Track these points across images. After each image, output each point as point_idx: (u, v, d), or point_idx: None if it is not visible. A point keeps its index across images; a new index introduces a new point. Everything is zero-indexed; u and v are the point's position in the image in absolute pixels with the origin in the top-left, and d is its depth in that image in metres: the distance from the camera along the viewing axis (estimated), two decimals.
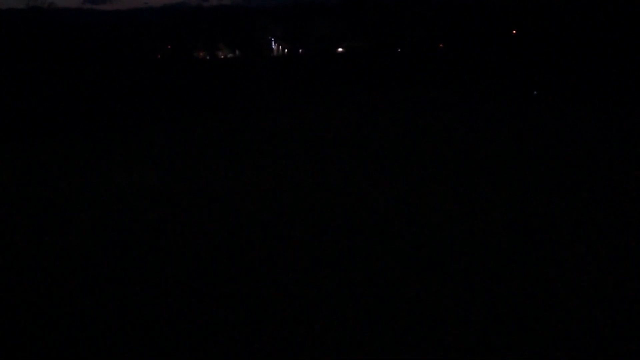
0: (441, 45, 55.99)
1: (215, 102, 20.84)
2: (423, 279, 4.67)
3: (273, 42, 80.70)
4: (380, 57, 46.61)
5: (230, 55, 78.60)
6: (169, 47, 77.61)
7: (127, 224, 6.27)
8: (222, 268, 4.97)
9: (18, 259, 5.31)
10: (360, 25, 65.58)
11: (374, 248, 5.39)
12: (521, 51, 35.74)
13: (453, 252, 5.26)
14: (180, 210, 6.79)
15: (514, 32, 43.98)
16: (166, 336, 3.83)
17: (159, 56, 72.39)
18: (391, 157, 9.82)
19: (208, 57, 76.29)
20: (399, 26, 59.72)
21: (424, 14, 59.77)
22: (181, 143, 11.66)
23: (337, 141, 11.46)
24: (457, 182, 7.93)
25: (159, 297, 4.41)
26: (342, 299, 4.32)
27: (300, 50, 69.89)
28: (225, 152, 10.58)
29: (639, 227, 5.91)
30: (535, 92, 20.98)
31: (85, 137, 12.82)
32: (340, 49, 68.28)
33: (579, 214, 6.38)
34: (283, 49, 77.27)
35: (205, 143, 11.63)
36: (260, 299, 4.34)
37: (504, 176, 8.28)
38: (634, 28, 32.34)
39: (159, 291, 4.52)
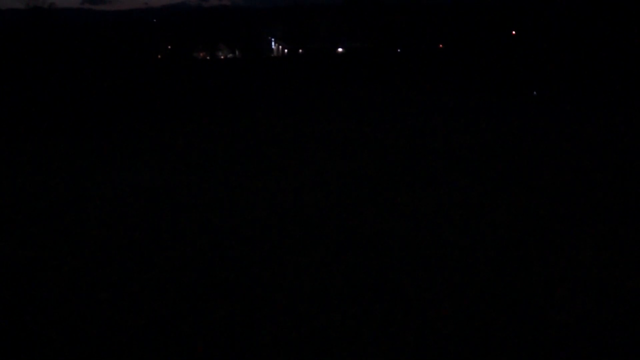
0: (441, 45, 55.98)
1: (216, 102, 20.84)
2: (423, 279, 4.69)
3: (273, 42, 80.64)
4: (380, 57, 46.57)
5: (230, 55, 78.57)
6: (169, 47, 77.54)
7: (127, 224, 6.29)
8: (224, 268, 4.99)
9: (18, 258, 5.32)
10: (360, 25, 65.52)
11: (375, 248, 5.41)
12: (521, 51, 35.71)
13: (453, 252, 5.27)
14: (180, 210, 6.80)
15: (514, 32, 43.97)
16: (166, 336, 3.85)
17: (159, 56, 72.31)
18: (391, 157, 9.84)
19: (208, 58, 76.22)
20: (399, 26, 59.66)
21: (423, 14, 59.75)
22: (182, 143, 11.68)
23: (338, 142, 11.47)
24: (456, 182, 7.95)
25: (159, 297, 4.43)
26: (342, 299, 4.34)
27: (300, 50, 69.82)
28: (225, 152, 10.60)
29: (638, 227, 5.93)
30: (535, 92, 20.98)
31: (85, 136, 12.83)
32: (340, 49, 68.23)
33: (578, 214, 6.40)
34: (283, 49, 77.18)
35: (206, 143, 11.64)
36: (260, 299, 4.36)
37: (503, 176, 8.30)
38: (634, 28, 32.33)
39: (159, 291, 4.54)
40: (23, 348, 3.72)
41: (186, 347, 3.69)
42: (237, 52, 78.12)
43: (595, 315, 4.03)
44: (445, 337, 3.75)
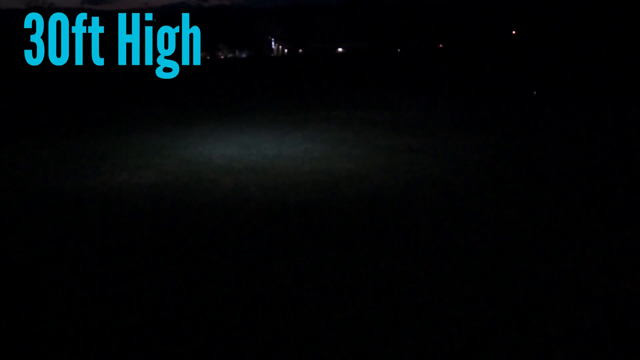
0: (441, 45, 56.09)
1: (216, 102, 20.84)
2: (424, 278, 4.69)
3: (273, 42, 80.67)
4: (380, 57, 46.64)
5: (230, 55, 78.66)
6: None
7: (126, 223, 6.28)
8: (223, 265, 4.99)
9: (18, 258, 5.32)
10: (360, 26, 65.67)
11: (375, 247, 5.41)
12: (521, 51, 35.77)
13: (453, 252, 5.27)
14: (179, 209, 6.80)
15: (514, 32, 44.06)
16: (165, 335, 3.85)
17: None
18: (390, 157, 9.84)
19: (208, 57, 76.31)
20: (399, 26, 59.76)
21: (423, 14, 59.87)
22: (181, 142, 11.66)
23: (338, 142, 11.47)
24: (456, 182, 7.94)
25: (158, 296, 4.43)
26: (342, 298, 4.34)
27: (300, 50, 69.88)
28: (225, 151, 10.59)
29: (637, 227, 5.92)
30: (534, 92, 20.98)
31: (85, 136, 12.81)
32: (340, 49, 68.29)
33: (578, 215, 6.39)
34: (283, 49, 77.21)
35: (204, 143, 11.63)
36: (259, 298, 4.36)
37: (503, 176, 8.29)
38: (633, 28, 32.37)
39: (158, 290, 4.54)
40: (23, 348, 3.72)
41: (186, 347, 3.69)
42: (237, 52, 78.25)
43: (594, 315, 4.02)
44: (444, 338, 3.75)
